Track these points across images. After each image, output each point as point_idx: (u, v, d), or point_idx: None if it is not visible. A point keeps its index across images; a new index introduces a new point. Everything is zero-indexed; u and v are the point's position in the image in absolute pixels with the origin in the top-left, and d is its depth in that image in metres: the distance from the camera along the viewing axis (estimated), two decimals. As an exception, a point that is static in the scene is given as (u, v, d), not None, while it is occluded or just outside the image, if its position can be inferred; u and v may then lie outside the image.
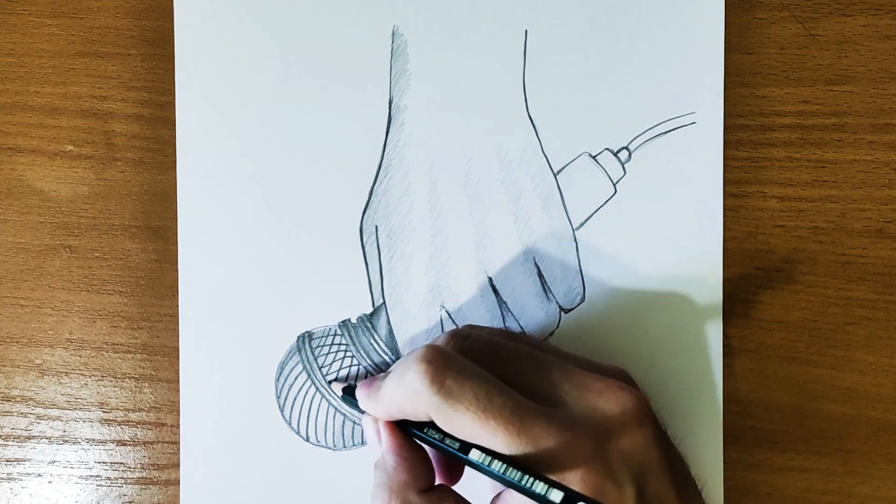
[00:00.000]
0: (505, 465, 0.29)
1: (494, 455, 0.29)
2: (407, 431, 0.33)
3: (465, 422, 0.30)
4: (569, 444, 0.29)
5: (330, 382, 0.38)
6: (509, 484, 0.28)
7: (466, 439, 0.30)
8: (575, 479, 0.29)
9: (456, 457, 0.30)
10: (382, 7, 0.38)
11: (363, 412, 0.35)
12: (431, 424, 0.32)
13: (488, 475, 0.29)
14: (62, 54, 0.39)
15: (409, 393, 0.31)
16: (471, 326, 0.36)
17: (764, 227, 0.38)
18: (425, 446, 0.33)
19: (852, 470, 0.38)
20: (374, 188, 0.39)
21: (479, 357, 0.32)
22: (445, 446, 0.30)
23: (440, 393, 0.30)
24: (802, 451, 0.38)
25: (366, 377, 0.38)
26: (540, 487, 0.27)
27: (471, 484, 0.34)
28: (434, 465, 0.34)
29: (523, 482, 0.28)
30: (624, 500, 0.29)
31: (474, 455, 0.29)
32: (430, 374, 0.30)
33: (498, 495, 0.32)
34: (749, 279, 0.38)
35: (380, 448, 0.33)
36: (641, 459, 0.30)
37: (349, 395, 0.36)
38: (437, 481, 0.34)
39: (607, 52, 0.38)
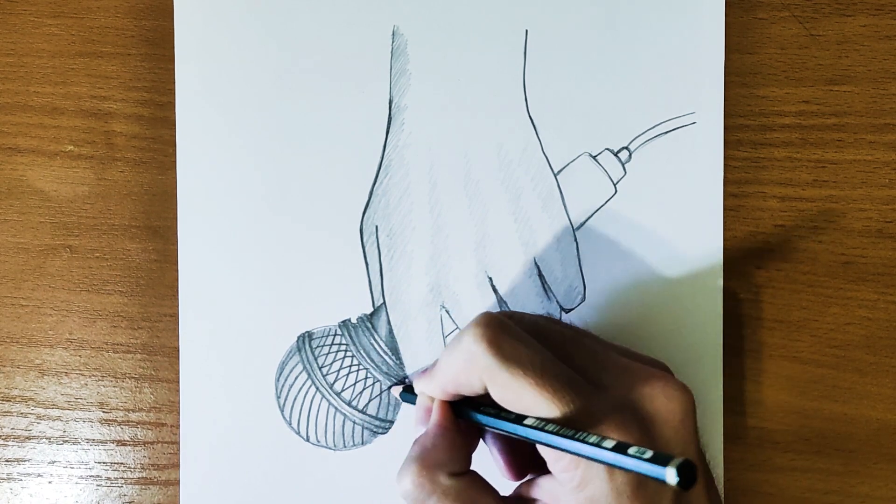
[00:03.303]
0: (558, 427, 0.29)
1: (548, 421, 0.29)
2: (459, 413, 0.33)
3: (520, 387, 0.29)
4: (618, 424, 0.29)
5: (334, 383, 0.38)
6: (561, 447, 0.28)
7: (520, 409, 0.30)
8: None
9: (512, 430, 0.30)
10: (382, 7, 0.38)
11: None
12: (485, 402, 0.31)
13: (541, 443, 0.29)
14: (62, 54, 0.39)
15: (465, 357, 0.30)
16: (512, 311, 0.35)
17: (764, 227, 0.38)
18: (490, 448, 0.34)
19: (853, 470, 0.38)
20: (374, 188, 0.39)
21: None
22: (501, 419, 0.30)
23: (497, 355, 0.30)
24: (803, 450, 0.38)
25: (366, 378, 0.38)
26: (593, 439, 0.28)
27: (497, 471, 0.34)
28: (502, 463, 0.33)
29: (577, 436, 0.28)
30: (664, 487, 0.29)
31: (530, 421, 0.29)
32: (487, 336, 0.30)
33: (531, 480, 0.32)
34: (749, 279, 0.38)
35: (422, 427, 0.33)
36: (682, 450, 0.30)
37: (408, 391, 0.36)
38: (506, 477, 0.33)
39: (607, 51, 0.38)
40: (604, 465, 0.28)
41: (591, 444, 0.27)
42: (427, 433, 0.32)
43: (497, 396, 0.30)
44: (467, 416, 0.32)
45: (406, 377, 0.39)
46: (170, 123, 0.39)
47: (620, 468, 0.27)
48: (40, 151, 0.40)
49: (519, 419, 0.30)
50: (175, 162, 0.39)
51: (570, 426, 0.29)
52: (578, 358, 0.32)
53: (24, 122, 0.40)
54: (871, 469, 0.38)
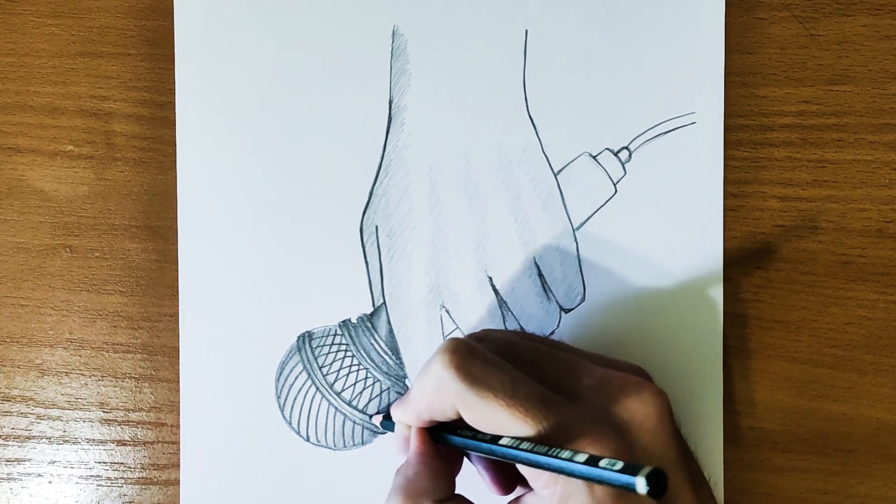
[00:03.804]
0: (532, 444, 0.29)
1: (522, 439, 0.29)
2: (438, 438, 0.33)
3: (492, 410, 0.29)
4: (593, 436, 0.29)
5: (334, 383, 0.38)
6: (536, 464, 0.28)
7: (494, 431, 0.30)
8: None
9: (488, 451, 0.30)
10: (382, 7, 0.38)
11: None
12: (462, 425, 0.32)
13: (517, 461, 0.29)
14: (62, 54, 0.39)
15: (435, 384, 0.31)
16: (486, 330, 0.36)
17: (764, 227, 0.38)
18: (476, 465, 0.34)
19: (852, 470, 0.38)
20: (374, 188, 0.39)
21: (499, 356, 0.32)
22: (478, 441, 0.30)
23: (466, 380, 0.30)
24: (802, 450, 0.38)
25: (366, 378, 0.38)
26: (566, 454, 0.28)
27: (484, 490, 0.34)
28: (488, 479, 0.34)
29: (550, 452, 0.28)
30: (645, 496, 0.29)
31: (504, 441, 0.29)
32: (454, 362, 0.30)
33: (516, 499, 0.32)
34: (749, 279, 0.38)
35: (403, 455, 0.33)
36: (661, 455, 0.30)
37: (389, 419, 0.36)
38: (495, 492, 0.34)
39: (607, 51, 0.38)
40: (580, 478, 0.28)
41: (564, 459, 0.28)
42: (408, 462, 0.32)
43: (470, 420, 0.30)
44: (445, 440, 0.33)
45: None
46: (170, 123, 0.39)
47: (593, 481, 0.27)
48: (40, 151, 0.40)
49: (494, 440, 0.30)
50: (175, 162, 0.39)
51: (545, 443, 0.29)
52: (552, 372, 0.32)
53: (24, 122, 0.40)
54: (870, 469, 0.38)
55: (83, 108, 0.39)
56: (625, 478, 0.26)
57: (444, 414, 0.31)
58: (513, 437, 0.29)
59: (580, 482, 0.29)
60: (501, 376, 0.30)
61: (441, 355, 0.30)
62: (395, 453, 0.34)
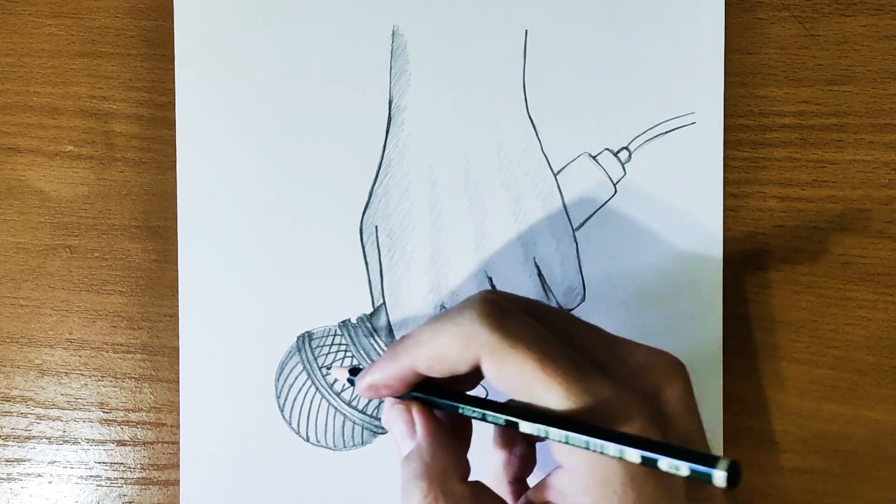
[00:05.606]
0: (581, 424, 0.27)
1: (547, 411, 0.28)
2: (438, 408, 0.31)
3: (520, 365, 0.28)
4: (622, 403, 0.28)
5: (334, 383, 0.38)
6: (588, 447, 0.27)
7: (517, 389, 0.28)
8: None
9: (535, 430, 0.28)
10: (382, 7, 0.38)
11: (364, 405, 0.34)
12: (464, 399, 0.30)
13: (571, 443, 0.28)
14: (62, 54, 0.39)
15: (460, 331, 0.29)
16: (503, 292, 0.34)
17: (764, 227, 0.38)
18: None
19: (852, 471, 0.38)
20: (374, 188, 0.39)
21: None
22: (490, 422, 0.29)
23: (500, 331, 0.28)
24: (802, 451, 0.38)
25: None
26: (614, 447, 0.27)
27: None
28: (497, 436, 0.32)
29: (608, 436, 0.27)
30: None
31: (525, 427, 0.28)
32: (487, 311, 0.29)
33: (538, 484, 0.31)
34: (749, 279, 0.38)
35: (411, 440, 0.31)
36: (685, 427, 0.30)
37: (354, 375, 0.34)
38: (497, 447, 0.32)
39: (607, 51, 0.38)
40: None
41: (594, 439, 0.27)
42: (419, 447, 0.30)
43: (492, 375, 0.29)
44: (447, 408, 0.31)
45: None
46: (170, 123, 0.39)
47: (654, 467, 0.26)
48: (40, 151, 0.40)
49: (530, 416, 0.28)
50: (175, 162, 0.39)
51: (571, 415, 0.27)
52: (578, 339, 0.31)
53: (24, 122, 0.40)
54: (869, 470, 0.38)
55: (83, 108, 0.39)
56: (701, 469, 0.25)
57: (454, 367, 0.29)
58: (555, 412, 0.28)
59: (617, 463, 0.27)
60: (536, 332, 0.29)
61: (474, 304, 0.29)
62: (401, 440, 0.32)
